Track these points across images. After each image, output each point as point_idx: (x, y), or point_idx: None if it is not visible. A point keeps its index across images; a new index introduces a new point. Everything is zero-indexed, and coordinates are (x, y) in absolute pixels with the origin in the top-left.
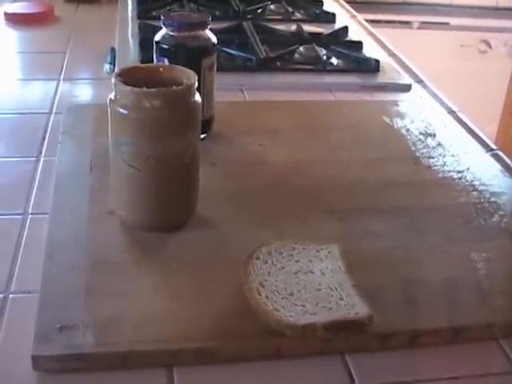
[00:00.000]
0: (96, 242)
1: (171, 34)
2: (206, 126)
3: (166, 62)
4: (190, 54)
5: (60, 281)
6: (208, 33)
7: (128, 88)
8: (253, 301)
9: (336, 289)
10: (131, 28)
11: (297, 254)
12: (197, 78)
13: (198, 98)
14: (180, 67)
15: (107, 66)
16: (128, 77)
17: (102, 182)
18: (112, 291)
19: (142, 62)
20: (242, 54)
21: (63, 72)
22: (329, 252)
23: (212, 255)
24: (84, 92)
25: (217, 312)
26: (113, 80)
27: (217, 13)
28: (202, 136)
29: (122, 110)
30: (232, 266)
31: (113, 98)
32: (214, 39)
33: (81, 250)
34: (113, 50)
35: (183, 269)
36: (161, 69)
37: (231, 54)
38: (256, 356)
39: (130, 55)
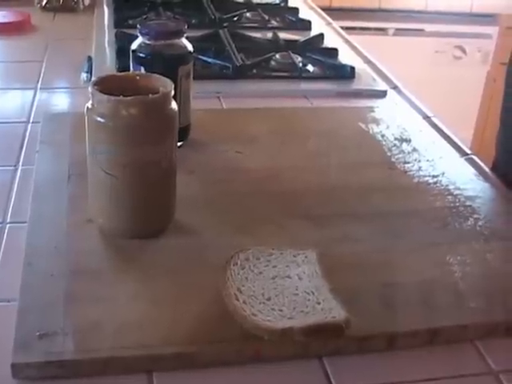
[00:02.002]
0: (75, 250)
1: (147, 42)
2: (183, 133)
3: (143, 70)
4: (167, 63)
5: (39, 289)
6: (184, 41)
7: (105, 96)
8: (231, 306)
9: (313, 293)
10: (108, 37)
11: (274, 260)
12: (173, 86)
13: (174, 105)
14: (156, 75)
15: (84, 75)
16: (105, 85)
17: (80, 190)
18: (91, 298)
19: (119, 70)
20: (218, 61)
21: (40, 81)
22: (306, 257)
23: (191, 261)
24: (61, 101)
25: (196, 317)
26: (89, 89)
27: (193, 21)
28: (180, 144)
29: (98, 119)
30: (210, 271)
31: (90, 106)
32: (190, 47)
33: (60, 257)
34: (89, 59)
35: (162, 275)
36: (137, 77)
37: (208, 62)
38: (235, 360)
39: (107, 64)
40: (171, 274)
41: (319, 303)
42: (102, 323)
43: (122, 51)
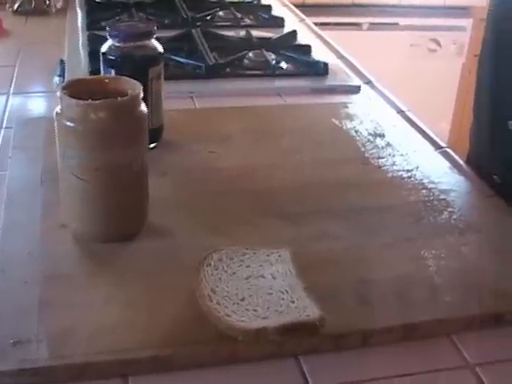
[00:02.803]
0: (49, 256)
1: (117, 44)
2: (156, 135)
3: (113, 73)
4: (137, 64)
5: (13, 295)
6: (154, 42)
7: (73, 101)
8: (204, 307)
9: (287, 292)
10: (80, 39)
11: (247, 259)
12: (142, 88)
13: (143, 107)
14: (125, 78)
15: (57, 79)
16: (74, 89)
17: (53, 195)
18: (66, 304)
19: (91, 73)
20: (191, 61)
21: (13, 85)
22: (279, 256)
23: (165, 263)
24: (34, 105)
25: (171, 320)
26: (58, 93)
27: (166, 21)
28: (153, 145)
29: (68, 123)
30: (185, 273)
31: (59, 111)
32: (160, 48)
33: (34, 263)
34: (62, 63)
35: (136, 278)
36: (106, 80)
37: (181, 62)
38: (211, 361)
39: (80, 67)
40: (145, 277)
41: (293, 302)
42: (76, 329)
43: (94, 54)
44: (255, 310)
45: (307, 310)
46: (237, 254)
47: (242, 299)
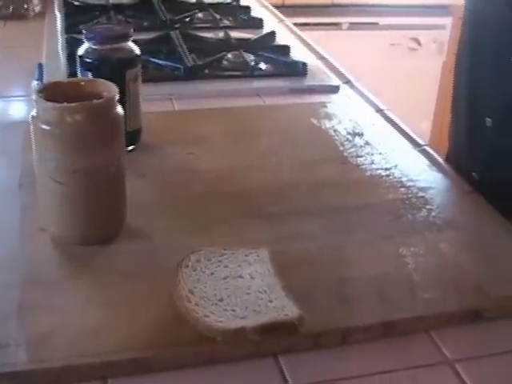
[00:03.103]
0: (28, 260)
1: (94, 47)
2: (134, 137)
3: (90, 75)
4: (114, 67)
5: None
6: (131, 44)
7: (49, 104)
8: (182, 309)
9: (265, 292)
10: (59, 43)
11: (226, 260)
12: (119, 90)
13: (119, 109)
14: (101, 80)
15: (35, 83)
16: (49, 93)
17: (32, 199)
18: (46, 307)
19: (70, 76)
20: (169, 63)
21: None
22: (257, 256)
23: (144, 265)
24: (13, 110)
25: (151, 321)
26: (34, 96)
27: (145, 23)
28: (131, 148)
29: (44, 127)
30: (164, 275)
31: (35, 114)
32: (137, 51)
33: (13, 268)
34: (40, 66)
35: (116, 280)
36: (82, 83)
37: (159, 64)
38: (191, 363)
39: (58, 71)
40: (125, 279)
41: (271, 301)
42: (56, 332)
43: (72, 57)
44: (234, 311)
45: (286, 309)
46: (215, 255)
47: (221, 300)
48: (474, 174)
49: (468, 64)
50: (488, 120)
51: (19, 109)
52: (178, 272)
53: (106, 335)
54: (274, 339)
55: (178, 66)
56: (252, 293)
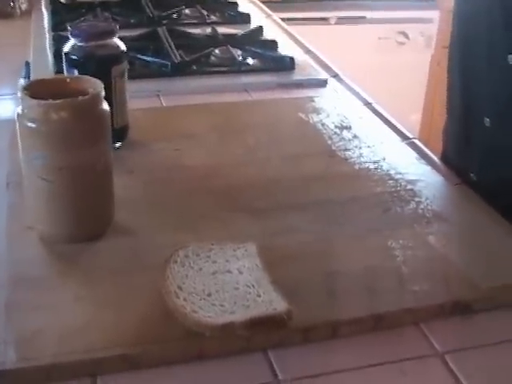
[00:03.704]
0: (16, 258)
1: (79, 44)
2: (121, 134)
3: (76, 72)
4: (99, 64)
5: None
6: (116, 41)
7: (34, 101)
8: (171, 304)
9: (254, 286)
10: (46, 41)
11: (214, 255)
12: (104, 86)
13: (105, 106)
14: (86, 77)
15: (22, 81)
16: (35, 90)
17: (19, 197)
18: (34, 305)
19: (57, 74)
20: (157, 59)
21: None
22: (246, 250)
23: (132, 262)
24: (0, 108)
25: (139, 318)
26: (19, 94)
27: (132, 20)
28: (118, 145)
29: (29, 124)
30: (152, 271)
31: (20, 112)
32: (123, 47)
33: (0, 266)
34: (27, 64)
35: (104, 277)
36: (67, 80)
37: (146, 61)
38: (180, 359)
39: (45, 68)
40: (113, 276)
41: (260, 296)
42: (44, 330)
43: (59, 55)
44: (222, 305)
45: (274, 303)
46: (203, 250)
47: (209, 295)
48: (471, 174)
49: (460, 60)
50: (486, 120)
51: (6, 107)
52: (166, 267)
53: (94, 332)
54: (263, 334)
55: (166, 62)
56: (240, 287)
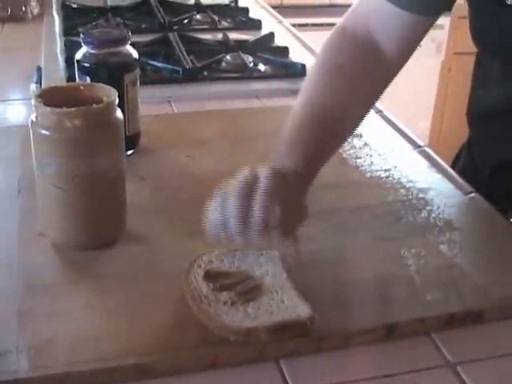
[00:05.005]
0: (28, 265)
1: (92, 51)
2: (133, 141)
3: (88, 80)
4: (112, 71)
5: None
6: (129, 48)
7: (48, 109)
8: (195, 308)
9: (277, 292)
10: (57, 46)
11: (237, 261)
12: (117, 94)
13: (119, 114)
14: (100, 85)
15: (34, 86)
16: (48, 97)
17: (31, 203)
18: (46, 313)
19: (68, 79)
20: (168, 65)
21: None
22: (269, 257)
23: (144, 270)
24: (11, 113)
25: (152, 326)
26: (33, 102)
27: (143, 26)
28: (130, 152)
29: (43, 132)
30: (165, 279)
31: (34, 119)
32: (135, 54)
33: (12, 274)
34: (39, 69)
35: (117, 285)
36: (81, 87)
37: (158, 67)
38: (193, 367)
39: (57, 74)
40: (125, 284)
41: (283, 302)
42: (57, 338)
43: (71, 60)
44: (246, 311)
45: (297, 309)
46: (227, 256)
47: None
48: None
49: None
50: None
51: (17, 112)
52: (191, 272)
53: (106, 341)
54: (286, 339)
55: (177, 68)
56: (264, 293)
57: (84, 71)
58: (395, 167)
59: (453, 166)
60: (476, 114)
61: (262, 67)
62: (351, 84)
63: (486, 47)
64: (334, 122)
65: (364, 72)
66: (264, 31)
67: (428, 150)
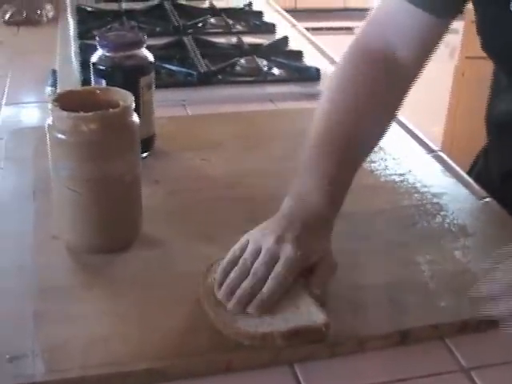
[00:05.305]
0: (42, 268)
1: (107, 54)
2: (148, 144)
3: (104, 83)
4: (127, 74)
5: (7, 310)
6: (144, 51)
7: (64, 113)
8: (211, 313)
9: (292, 298)
10: (72, 49)
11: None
12: (133, 98)
13: (135, 118)
14: (116, 88)
15: (49, 89)
16: (64, 101)
17: (45, 206)
18: (61, 317)
19: (83, 82)
20: (182, 69)
21: (5, 96)
22: None
23: (158, 273)
24: (26, 116)
25: (166, 331)
26: (49, 105)
27: (157, 29)
28: (145, 154)
29: (59, 135)
30: (179, 283)
31: (50, 123)
32: (150, 58)
33: (26, 276)
34: (54, 73)
35: (131, 289)
36: (97, 91)
37: (172, 70)
38: (207, 372)
39: (72, 77)
40: (140, 288)
41: (298, 308)
42: (72, 342)
43: (86, 63)
44: (261, 316)
45: (313, 315)
46: None
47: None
48: None
49: None
50: None
51: (31, 115)
52: (207, 277)
53: (120, 344)
54: (301, 345)
55: (192, 71)
56: (280, 299)
57: (100, 74)
58: (410, 171)
59: (469, 173)
60: (492, 123)
61: (276, 71)
62: (371, 103)
63: (494, 53)
64: (355, 147)
65: (383, 90)
66: (278, 35)
67: (442, 154)
